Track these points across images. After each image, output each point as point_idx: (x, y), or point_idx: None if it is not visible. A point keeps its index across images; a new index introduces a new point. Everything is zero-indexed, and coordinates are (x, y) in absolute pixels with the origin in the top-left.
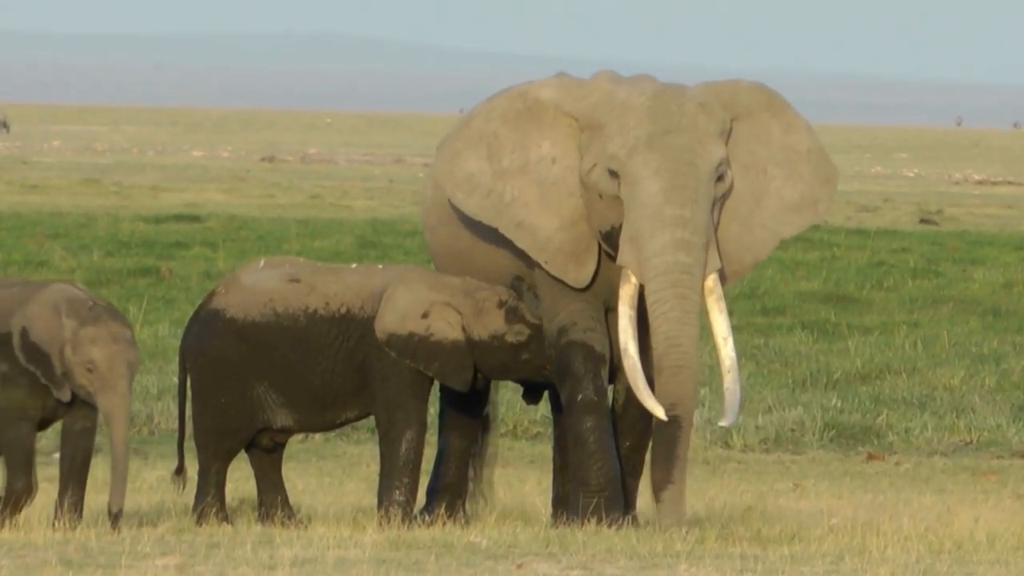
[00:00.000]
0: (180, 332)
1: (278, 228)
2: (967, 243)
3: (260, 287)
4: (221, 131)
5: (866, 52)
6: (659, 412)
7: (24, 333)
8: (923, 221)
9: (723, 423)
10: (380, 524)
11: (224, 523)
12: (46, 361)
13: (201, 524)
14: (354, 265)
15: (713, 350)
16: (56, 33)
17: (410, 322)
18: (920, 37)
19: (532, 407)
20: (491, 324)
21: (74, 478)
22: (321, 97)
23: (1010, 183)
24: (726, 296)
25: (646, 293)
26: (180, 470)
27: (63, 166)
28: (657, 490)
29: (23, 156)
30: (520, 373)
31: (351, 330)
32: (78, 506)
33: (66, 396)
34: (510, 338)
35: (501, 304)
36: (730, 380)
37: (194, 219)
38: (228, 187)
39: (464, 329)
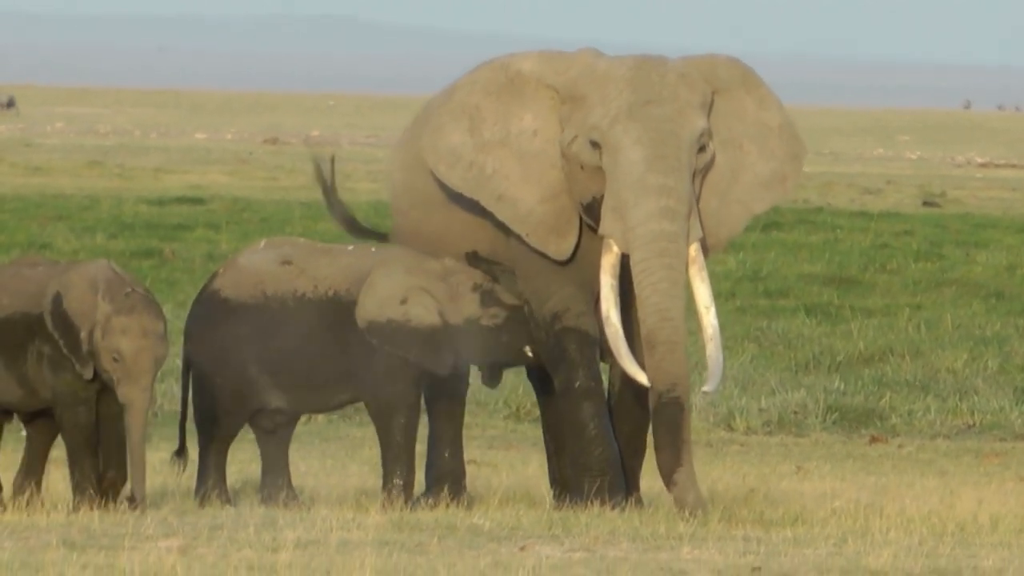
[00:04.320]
0: (183, 314)
1: (281, 210)
2: (970, 226)
3: (252, 268)
4: (224, 113)
5: (867, 34)
6: (642, 378)
7: (57, 299)
8: (926, 204)
9: (706, 388)
10: (383, 506)
11: (227, 505)
12: (72, 333)
13: (204, 506)
14: (350, 247)
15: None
16: (59, 15)
17: (388, 308)
18: (922, 19)
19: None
20: (465, 308)
21: (112, 460)
22: (324, 80)
23: (1013, 166)
24: (728, 277)
25: (632, 263)
26: (181, 451)
27: (66, 148)
28: (667, 475)
29: (26, 138)
30: (503, 355)
31: (339, 313)
32: (119, 485)
33: (88, 374)
34: (485, 321)
35: (476, 287)
36: (712, 347)
37: (197, 201)
38: (231, 169)
39: (440, 314)
